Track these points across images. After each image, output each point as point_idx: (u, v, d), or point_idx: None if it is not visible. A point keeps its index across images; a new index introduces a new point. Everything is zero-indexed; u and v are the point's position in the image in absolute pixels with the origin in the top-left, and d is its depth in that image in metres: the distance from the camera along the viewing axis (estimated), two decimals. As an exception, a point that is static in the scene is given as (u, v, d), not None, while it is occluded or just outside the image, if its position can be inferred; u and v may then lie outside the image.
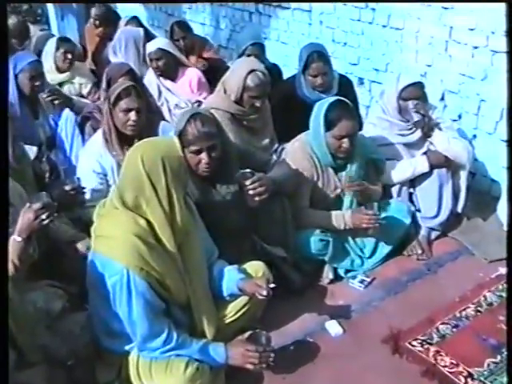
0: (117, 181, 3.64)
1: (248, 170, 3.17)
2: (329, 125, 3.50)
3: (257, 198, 3.14)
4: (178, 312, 2.75)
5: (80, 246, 3.27)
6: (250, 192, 3.12)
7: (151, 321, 2.58)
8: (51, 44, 5.34)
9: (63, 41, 5.40)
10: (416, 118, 3.87)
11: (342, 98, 3.59)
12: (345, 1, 5.52)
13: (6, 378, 2.06)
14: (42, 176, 3.94)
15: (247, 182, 3.12)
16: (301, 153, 3.63)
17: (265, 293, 2.75)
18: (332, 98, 3.58)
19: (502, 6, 3.94)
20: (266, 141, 4.33)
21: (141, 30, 5.70)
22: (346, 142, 3.50)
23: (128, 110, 3.61)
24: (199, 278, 2.81)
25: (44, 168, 4.02)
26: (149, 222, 2.57)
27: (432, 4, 4.70)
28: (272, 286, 2.81)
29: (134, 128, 3.64)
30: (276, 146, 4.40)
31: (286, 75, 5.39)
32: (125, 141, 3.68)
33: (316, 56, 4.41)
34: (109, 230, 2.60)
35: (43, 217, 2.67)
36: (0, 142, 2.55)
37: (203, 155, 3.14)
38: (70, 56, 5.37)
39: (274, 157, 4.31)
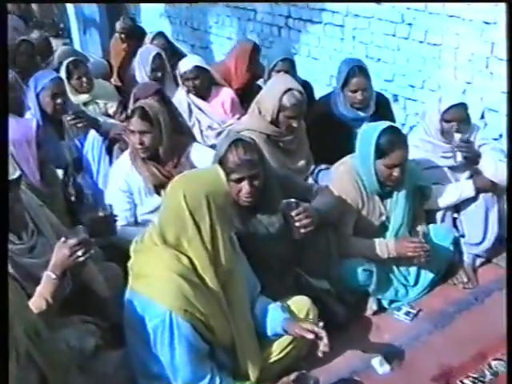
0: (143, 201, 3.62)
1: (293, 200, 2.99)
2: (380, 153, 3.31)
3: (303, 231, 2.96)
4: (222, 353, 2.60)
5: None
6: (296, 224, 2.94)
7: (195, 366, 2.44)
8: (62, 74, 5.03)
9: (74, 67, 5.12)
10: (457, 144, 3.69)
11: (394, 125, 3.41)
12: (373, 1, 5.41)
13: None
14: (69, 200, 3.80)
15: (293, 213, 2.95)
16: (347, 178, 3.45)
17: (311, 337, 2.57)
18: (383, 124, 3.37)
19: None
20: (302, 162, 4.18)
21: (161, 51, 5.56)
22: (397, 171, 3.32)
23: (132, 132, 3.55)
24: (243, 318, 2.65)
25: (70, 192, 3.88)
26: (191, 260, 2.42)
27: (473, 19, 4.54)
28: (321, 324, 2.64)
29: (142, 150, 3.57)
30: (312, 167, 4.25)
31: (316, 92, 5.24)
32: (148, 158, 3.60)
33: (357, 70, 4.23)
34: (149, 268, 2.45)
35: (79, 253, 2.53)
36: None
37: (244, 184, 2.97)
38: (85, 79, 5.14)
39: (311, 179, 4.17)
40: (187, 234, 2.39)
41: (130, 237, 2.93)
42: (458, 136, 3.69)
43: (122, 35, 6.75)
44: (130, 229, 3.51)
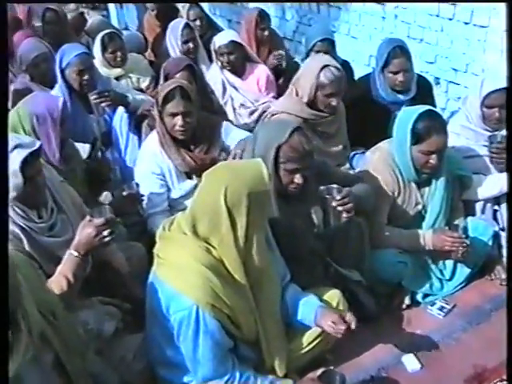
0: (175, 184, 3.46)
1: (335, 186, 2.83)
2: (417, 138, 3.12)
3: (345, 215, 2.79)
4: (245, 348, 2.50)
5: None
6: (339, 208, 2.77)
7: (217, 362, 2.35)
8: (96, 47, 4.99)
9: (109, 40, 4.98)
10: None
11: (433, 109, 3.22)
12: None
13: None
14: (95, 177, 3.69)
15: (338, 197, 2.78)
16: (382, 165, 3.28)
17: (342, 329, 2.47)
18: (421, 108, 3.17)
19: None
20: (339, 147, 4.02)
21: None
22: (434, 158, 3.13)
23: (174, 115, 3.36)
24: (272, 315, 2.55)
25: (97, 168, 3.77)
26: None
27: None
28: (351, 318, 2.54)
29: (182, 133, 3.41)
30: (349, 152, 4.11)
31: (355, 72, 5.07)
32: (180, 143, 3.45)
33: (399, 51, 4.03)
34: (176, 257, 2.34)
35: (105, 233, 2.46)
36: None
37: (298, 175, 2.79)
38: (119, 54, 5.01)
39: (347, 164, 4.02)
40: (220, 231, 2.27)
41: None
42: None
43: (155, 12, 6.60)
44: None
